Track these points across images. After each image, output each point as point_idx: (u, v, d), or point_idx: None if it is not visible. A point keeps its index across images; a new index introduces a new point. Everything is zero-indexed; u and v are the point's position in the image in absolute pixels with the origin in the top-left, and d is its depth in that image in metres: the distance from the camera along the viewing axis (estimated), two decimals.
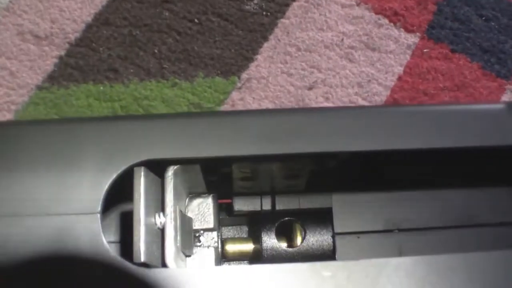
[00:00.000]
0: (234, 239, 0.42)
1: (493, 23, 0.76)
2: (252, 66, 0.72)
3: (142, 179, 0.34)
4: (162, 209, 0.35)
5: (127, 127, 0.35)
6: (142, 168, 0.34)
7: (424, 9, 0.76)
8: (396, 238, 0.41)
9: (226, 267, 0.39)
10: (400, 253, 0.40)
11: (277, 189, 0.41)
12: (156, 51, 0.73)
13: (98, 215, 0.33)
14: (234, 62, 0.72)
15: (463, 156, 0.38)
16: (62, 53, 0.74)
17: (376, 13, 0.75)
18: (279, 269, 0.33)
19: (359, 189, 0.42)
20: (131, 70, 0.72)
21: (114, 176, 0.34)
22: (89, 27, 0.75)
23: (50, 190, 0.34)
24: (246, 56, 0.73)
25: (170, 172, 0.35)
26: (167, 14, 0.75)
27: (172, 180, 0.35)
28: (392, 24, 0.75)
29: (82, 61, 0.73)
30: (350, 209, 0.41)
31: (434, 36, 0.75)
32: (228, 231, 0.43)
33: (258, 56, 0.73)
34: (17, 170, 0.34)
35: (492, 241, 0.40)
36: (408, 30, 0.75)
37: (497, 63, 0.74)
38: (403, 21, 0.75)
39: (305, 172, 0.39)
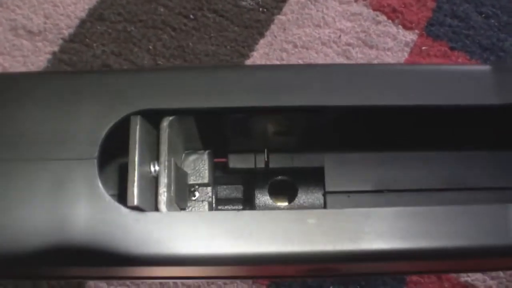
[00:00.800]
0: (229, 198, 0.44)
1: (493, 21, 0.75)
2: (248, 62, 0.71)
3: (138, 127, 0.35)
4: (157, 159, 0.37)
5: (125, 78, 0.37)
6: (138, 117, 0.35)
7: (423, 6, 0.75)
8: (386, 199, 0.41)
9: (216, 212, 0.40)
10: None
11: (271, 147, 0.42)
12: (150, 47, 0.72)
13: (95, 161, 0.34)
14: (230, 59, 0.71)
15: (452, 116, 0.38)
16: (56, 49, 0.73)
17: (374, 10, 0.74)
18: (267, 215, 0.34)
19: (352, 149, 0.42)
20: (125, 67, 0.71)
21: (111, 123, 0.35)
22: (83, 22, 0.74)
23: (49, 137, 0.35)
24: (241, 53, 0.72)
25: (165, 122, 0.37)
26: (162, 9, 0.74)
27: (167, 131, 0.37)
28: (390, 21, 0.74)
29: (76, 57, 0.72)
30: (341, 169, 0.42)
31: (433, 33, 0.74)
32: (223, 190, 0.44)
33: (254, 53, 0.72)
34: (18, 118, 0.36)
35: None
36: (406, 27, 0.74)
37: (496, 61, 0.73)
38: (402, 18, 0.74)
39: (297, 128, 0.39)
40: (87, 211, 0.33)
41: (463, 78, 0.37)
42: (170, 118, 0.37)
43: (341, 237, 0.33)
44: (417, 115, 0.39)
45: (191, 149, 0.42)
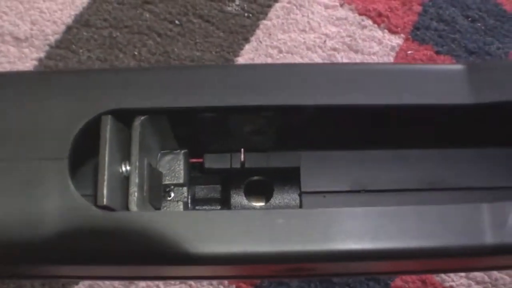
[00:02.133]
0: (204, 198, 0.44)
1: (479, 24, 0.75)
2: None
3: (109, 127, 0.35)
4: (129, 158, 0.37)
5: (96, 78, 0.37)
6: (109, 117, 0.35)
7: (409, 10, 0.75)
8: (362, 199, 0.41)
9: (186, 212, 0.40)
10: None
11: (247, 147, 0.41)
12: (136, 53, 0.73)
13: (66, 160, 0.34)
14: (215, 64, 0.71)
15: (428, 115, 0.38)
16: (42, 55, 0.73)
17: (360, 14, 0.74)
18: (239, 214, 0.35)
19: (329, 147, 0.42)
20: None
21: (82, 123, 0.35)
22: (69, 28, 0.74)
23: (19, 136, 0.35)
24: (227, 58, 0.72)
25: (137, 122, 0.37)
26: (147, 15, 0.74)
27: (139, 130, 0.37)
28: (376, 25, 0.74)
29: (62, 63, 0.73)
30: (318, 169, 0.41)
31: (418, 37, 0.74)
32: (201, 190, 0.44)
33: (239, 58, 0.72)
34: None
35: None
36: (392, 31, 0.74)
37: None
38: (387, 22, 0.74)
39: (272, 127, 0.39)
40: (58, 210, 0.33)
41: (439, 77, 0.37)
42: (142, 117, 0.37)
43: (310, 237, 0.33)
44: (394, 114, 0.39)
45: (167, 149, 0.41)
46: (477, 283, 0.65)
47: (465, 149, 0.42)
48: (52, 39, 0.74)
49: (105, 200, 0.34)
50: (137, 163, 0.36)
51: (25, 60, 0.73)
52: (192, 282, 0.64)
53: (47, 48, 0.74)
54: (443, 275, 0.65)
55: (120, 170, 0.36)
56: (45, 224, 0.33)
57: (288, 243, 0.33)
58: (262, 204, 0.42)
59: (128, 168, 0.36)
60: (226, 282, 0.64)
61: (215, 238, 0.33)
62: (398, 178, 0.41)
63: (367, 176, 0.41)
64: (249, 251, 0.33)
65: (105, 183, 0.34)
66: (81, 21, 0.75)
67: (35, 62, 0.73)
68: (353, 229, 0.33)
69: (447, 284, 0.65)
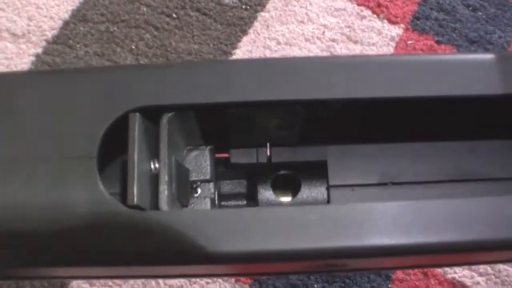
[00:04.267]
0: (231, 194, 0.43)
1: (480, 13, 0.74)
2: None
3: (137, 125, 0.35)
4: (157, 156, 0.36)
5: (123, 75, 0.36)
6: (137, 114, 0.35)
7: (408, 0, 0.74)
8: (390, 192, 0.40)
9: (217, 210, 0.40)
10: None
11: (273, 141, 0.41)
12: (133, 47, 0.72)
13: (95, 160, 0.34)
14: (213, 57, 0.71)
15: (457, 107, 0.37)
16: (39, 50, 0.73)
17: (359, 5, 0.74)
18: (268, 212, 0.34)
19: (355, 141, 0.41)
20: None
21: (110, 121, 0.34)
22: (66, 24, 0.74)
23: (48, 136, 0.35)
24: (224, 51, 0.71)
25: (165, 119, 0.36)
26: (144, 9, 0.74)
27: (167, 127, 0.36)
28: (375, 15, 0.73)
29: (59, 58, 0.72)
30: (345, 162, 0.41)
31: (419, 27, 0.73)
32: (227, 185, 0.43)
33: (237, 51, 0.71)
34: (16, 118, 0.35)
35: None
36: (391, 22, 0.73)
37: None
38: (387, 12, 0.73)
39: (298, 122, 0.39)
40: (87, 210, 0.33)
41: (465, 67, 0.37)
42: (169, 114, 0.36)
43: (343, 233, 0.33)
44: (421, 106, 0.38)
45: (192, 145, 0.41)
46: (480, 274, 0.64)
47: (493, 140, 0.41)
48: (49, 34, 0.74)
49: (135, 199, 0.33)
50: (167, 160, 0.36)
51: (23, 56, 0.73)
52: (203, 282, 0.63)
53: (44, 43, 0.73)
54: (445, 267, 0.64)
55: (149, 168, 0.36)
56: (74, 224, 0.33)
57: (322, 239, 0.32)
58: (289, 199, 0.42)
59: (157, 165, 0.36)
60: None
61: (247, 236, 0.32)
62: (426, 170, 0.41)
63: (394, 169, 0.41)
64: (283, 248, 0.33)
65: (135, 182, 0.34)
66: (78, 16, 0.74)
67: (32, 58, 0.73)
68: (387, 224, 0.33)
69: (449, 276, 0.64)
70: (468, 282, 0.64)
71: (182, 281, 0.64)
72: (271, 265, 0.36)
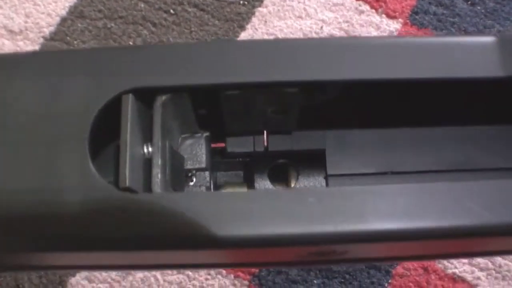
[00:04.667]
0: (228, 183, 0.42)
1: (479, 7, 0.73)
2: None
3: (129, 106, 0.34)
4: (151, 140, 0.35)
5: (116, 57, 0.36)
6: (130, 95, 0.34)
7: None
8: (390, 181, 0.40)
9: (212, 192, 0.39)
10: None
11: (270, 129, 0.40)
12: (131, 43, 0.72)
13: (86, 141, 0.33)
14: None
15: (457, 90, 0.36)
16: (37, 47, 0.73)
17: (357, 0, 0.73)
18: (266, 194, 0.33)
19: (354, 127, 0.40)
20: None
21: (103, 103, 0.34)
22: (63, 20, 0.74)
23: (39, 117, 0.34)
24: None
25: (159, 102, 0.35)
26: (142, 5, 0.73)
27: (161, 110, 0.35)
28: (373, 10, 0.73)
29: None
30: (343, 151, 0.40)
31: (417, 21, 0.73)
32: (223, 177, 0.43)
33: None
34: (7, 98, 0.35)
35: None
36: (390, 16, 0.72)
37: None
38: (385, 7, 0.73)
39: (295, 106, 0.38)
40: (79, 192, 0.32)
41: (467, 49, 0.36)
42: (164, 97, 0.35)
43: (343, 217, 0.31)
44: (420, 89, 0.37)
45: (188, 133, 0.40)
46: (481, 269, 0.64)
47: (494, 126, 0.40)
48: (47, 31, 0.73)
49: (127, 181, 0.32)
50: (160, 143, 0.35)
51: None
52: (189, 272, 0.63)
53: (41, 40, 0.73)
54: (445, 262, 0.64)
55: (142, 152, 0.35)
56: (65, 206, 0.32)
57: (320, 223, 0.31)
58: (288, 188, 0.41)
59: (150, 149, 0.35)
60: (224, 271, 0.63)
61: (242, 219, 0.31)
62: (425, 159, 0.40)
63: (393, 158, 0.40)
64: (280, 232, 0.31)
65: (127, 164, 0.33)
66: (76, 12, 0.74)
67: None
68: (387, 208, 0.32)
69: (450, 271, 0.64)
70: (468, 277, 0.63)
71: (181, 277, 0.63)
72: (266, 252, 0.35)
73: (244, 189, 0.41)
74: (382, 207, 0.32)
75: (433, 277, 0.63)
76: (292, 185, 0.41)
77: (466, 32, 0.72)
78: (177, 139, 0.40)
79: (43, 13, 0.74)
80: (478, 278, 0.63)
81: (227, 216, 0.31)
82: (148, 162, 0.35)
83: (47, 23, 0.74)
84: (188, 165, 0.40)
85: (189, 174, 0.40)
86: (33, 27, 0.74)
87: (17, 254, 0.34)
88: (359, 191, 0.32)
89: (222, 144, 0.41)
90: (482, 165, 0.39)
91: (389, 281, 0.63)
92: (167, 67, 0.35)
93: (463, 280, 0.63)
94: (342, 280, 0.63)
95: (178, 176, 0.38)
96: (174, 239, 0.32)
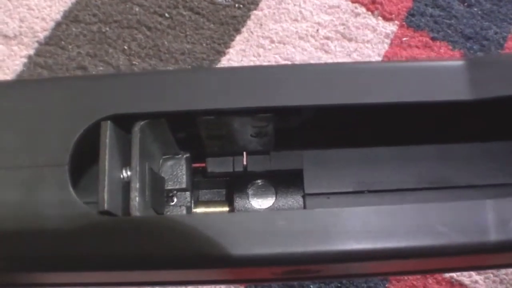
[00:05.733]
0: (208, 202, 0.43)
1: (475, 9, 0.73)
2: (224, 60, 0.70)
3: (108, 133, 0.35)
4: (130, 164, 0.37)
5: (94, 84, 0.37)
6: (108, 122, 0.35)
7: None
8: (366, 200, 0.41)
9: (188, 215, 0.40)
10: None
11: (249, 150, 0.41)
12: (125, 47, 0.71)
13: (67, 167, 0.34)
14: (206, 57, 0.70)
15: (429, 113, 0.38)
16: (31, 52, 0.72)
17: (353, 2, 0.73)
18: (240, 217, 0.35)
19: (330, 147, 0.41)
20: (100, 68, 0.71)
21: (81, 130, 0.35)
22: (58, 25, 0.73)
23: (19, 145, 0.35)
24: (218, 50, 0.70)
25: (137, 127, 0.36)
26: (137, 9, 0.73)
27: (139, 135, 0.36)
28: (369, 12, 0.72)
29: (51, 60, 0.72)
30: (321, 170, 0.41)
31: (413, 23, 0.72)
32: (206, 194, 0.44)
33: (230, 50, 0.71)
34: None
35: None
36: (386, 19, 0.72)
37: (480, 50, 0.71)
38: (381, 9, 0.72)
39: (271, 129, 0.39)
40: (60, 216, 0.33)
41: (437, 73, 0.37)
42: (142, 122, 0.36)
43: (311, 238, 0.33)
44: (393, 112, 0.38)
45: (168, 155, 0.41)
46: (479, 273, 0.63)
47: (468, 144, 0.41)
48: (41, 35, 0.73)
49: (106, 205, 0.33)
50: (138, 168, 0.36)
51: (14, 57, 0.72)
52: None
53: (36, 45, 0.73)
54: None
55: (121, 176, 0.36)
56: (46, 230, 0.33)
57: (289, 244, 0.33)
58: (266, 207, 0.42)
59: (129, 173, 0.36)
60: None
61: (216, 240, 0.33)
62: (402, 177, 0.41)
63: (370, 176, 0.41)
64: (250, 253, 0.33)
65: (106, 188, 0.34)
66: (70, 17, 0.74)
67: (24, 60, 0.72)
68: (354, 229, 0.33)
69: (447, 275, 0.63)
70: (466, 281, 0.63)
71: None
72: (239, 271, 0.36)
73: (225, 208, 0.42)
74: (350, 229, 0.33)
75: (430, 281, 0.63)
76: (271, 203, 0.42)
77: (463, 34, 0.72)
78: (158, 161, 0.41)
79: (37, 17, 0.74)
80: (476, 282, 0.63)
81: (200, 238, 0.33)
82: (127, 186, 0.36)
83: (42, 27, 0.73)
84: (169, 185, 0.40)
85: (170, 194, 0.41)
86: (27, 31, 0.73)
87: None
88: (329, 213, 0.33)
89: (203, 164, 0.42)
90: (456, 182, 0.40)
91: (386, 285, 0.63)
92: (144, 94, 0.36)
93: (460, 284, 0.63)
94: (339, 285, 0.63)
95: (159, 196, 0.39)
96: (147, 259, 0.33)
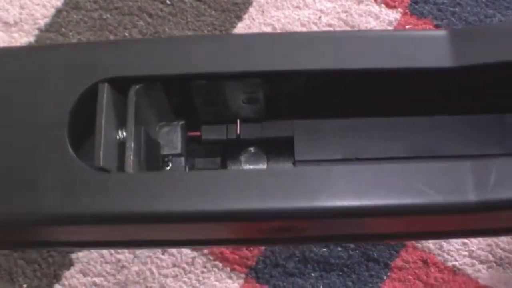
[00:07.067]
0: (202, 169, 0.45)
1: None
2: None
3: (105, 94, 0.37)
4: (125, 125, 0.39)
5: (93, 50, 0.39)
6: (105, 85, 0.37)
7: None
8: (355, 167, 0.41)
9: (180, 172, 0.42)
10: None
11: (242, 118, 0.43)
12: (126, 34, 0.71)
13: (65, 127, 0.36)
14: None
15: (415, 82, 0.39)
16: (32, 39, 0.72)
17: None
18: (240, 173, 0.37)
19: (321, 118, 0.43)
20: None
21: (81, 91, 0.37)
22: (59, 11, 0.73)
23: (20, 107, 0.37)
24: None
25: (132, 91, 0.38)
26: None
27: (134, 99, 0.38)
28: (372, 0, 0.72)
29: None
30: (311, 138, 0.43)
31: (417, 11, 0.72)
32: (201, 163, 0.45)
33: None
34: None
35: None
36: (389, 6, 0.71)
37: None
38: None
39: (262, 96, 0.40)
40: (58, 171, 0.35)
41: (422, 41, 0.38)
42: (137, 86, 0.38)
43: (297, 194, 0.34)
44: (381, 80, 0.39)
45: (164, 121, 0.43)
46: (481, 262, 0.63)
47: (456, 116, 0.42)
48: (42, 22, 0.73)
49: (101, 161, 0.35)
50: (133, 130, 0.37)
51: (15, 44, 0.72)
52: (185, 265, 0.62)
53: (36, 32, 0.72)
54: (445, 254, 0.63)
55: (117, 136, 0.38)
56: (45, 186, 0.35)
57: (276, 200, 0.34)
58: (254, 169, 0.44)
59: (124, 134, 0.38)
60: (220, 264, 0.62)
61: (207, 195, 0.34)
62: (390, 146, 0.42)
63: (359, 145, 0.42)
64: (239, 208, 0.34)
65: (102, 145, 0.35)
66: (71, 3, 0.73)
67: None
68: (339, 187, 0.34)
69: (450, 264, 0.63)
70: (469, 270, 0.63)
71: (176, 270, 0.62)
72: (233, 227, 0.38)
73: None
74: (335, 187, 0.34)
75: (432, 269, 0.62)
76: (263, 169, 0.43)
77: (467, 22, 0.71)
78: (154, 127, 0.42)
79: (38, 4, 0.73)
80: (479, 270, 0.63)
81: (191, 193, 0.34)
82: (123, 146, 0.37)
83: (42, 14, 0.73)
84: (165, 150, 0.42)
85: (166, 160, 0.42)
86: (28, 18, 0.73)
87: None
88: (316, 171, 0.35)
89: (199, 133, 0.44)
90: (441, 152, 0.42)
91: (388, 273, 0.62)
92: (141, 59, 0.38)
93: (463, 273, 0.62)
94: (340, 273, 0.62)
95: (154, 160, 0.41)
96: (140, 214, 0.35)
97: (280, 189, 0.34)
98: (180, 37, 0.42)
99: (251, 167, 0.44)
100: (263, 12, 0.71)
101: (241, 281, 0.62)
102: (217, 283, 0.62)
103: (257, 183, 0.35)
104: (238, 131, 0.43)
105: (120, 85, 0.38)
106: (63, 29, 0.72)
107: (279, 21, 0.71)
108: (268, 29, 0.70)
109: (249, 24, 0.71)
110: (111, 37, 0.71)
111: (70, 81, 0.37)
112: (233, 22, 0.71)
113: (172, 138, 0.42)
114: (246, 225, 0.38)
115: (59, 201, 0.35)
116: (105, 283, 0.62)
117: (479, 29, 0.40)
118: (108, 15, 0.72)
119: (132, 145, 0.37)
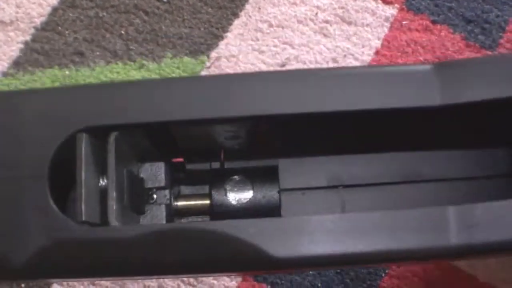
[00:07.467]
0: (186, 196, 0.45)
1: None
2: (222, 44, 0.69)
3: (83, 144, 0.36)
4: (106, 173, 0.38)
5: (70, 96, 0.38)
6: (83, 134, 0.36)
7: None
8: (340, 194, 0.43)
9: (161, 225, 0.41)
10: (343, 208, 0.42)
11: (225, 148, 0.43)
12: (123, 32, 0.71)
13: (46, 178, 0.35)
14: (203, 41, 0.70)
15: (400, 119, 0.38)
16: (28, 38, 0.72)
17: None
18: (225, 225, 0.36)
19: (306, 145, 0.43)
20: (97, 53, 0.70)
21: (58, 142, 0.36)
22: (55, 10, 0.73)
23: None
24: (215, 34, 0.70)
25: (111, 137, 0.37)
26: None
27: (114, 145, 0.37)
28: None
29: (48, 45, 0.71)
30: (296, 166, 0.43)
31: (414, 7, 0.71)
32: (187, 189, 0.45)
33: (228, 34, 0.70)
34: None
35: (435, 197, 0.42)
36: (386, 2, 0.71)
37: (481, 34, 0.70)
38: None
39: (243, 132, 0.40)
40: (40, 227, 0.35)
41: (405, 79, 0.37)
42: (115, 133, 0.37)
43: (280, 242, 0.35)
44: (364, 119, 0.39)
45: (147, 157, 0.43)
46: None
47: (441, 150, 0.42)
48: (38, 21, 0.72)
49: (83, 216, 0.35)
50: (114, 177, 0.37)
51: (11, 43, 0.72)
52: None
53: (32, 30, 0.72)
54: None
55: (99, 183, 0.38)
56: (27, 241, 0.35)
57: (258, 250, 0.34)
58: (243, 202, 0.44)
59: (105, 182, 0.37)
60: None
61: (192, 246, 0.35)
62: (376, 172, 0.42)
63: (345, 171, 0.42)
64: (224, 257, 0.35)
65: (83, 199, 0.35)
66: (67, 2, 0.73)
67: (21, 45, 0.71)
68: (321, 236, 0.34)
69: None
70: (467, 267, 0.63)
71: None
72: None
73: (206, 201, 0.44)
74: (317, 236, 0.34)
75: (431, 266, 0.62)
76: (248, 198, 0.43)
77: (464, 17, 0.71)
78: (136, 164, 0.42)
79: (34, 3, 0.73)
80: (477, 268, 0.63)
81: (171, 247, 0.35)
82: (105, 193, 0.37)
83: (38, 13, 0.73)
84: (149, 184, 0.42)
85: (150, 193, 0.42)
86: (24, 17, 0.73)
87: None
88: (299, 221, 0.35)
89: (182, 160, 0.43)
90: (427, 177, 0.42)
91: (386, 271, 0.62)
92: (119, 105, 0.37)
93: (461, 270, 0.62)
94: (338, 271, 0.62)
95: (139, 197, 0.41)
96: (123, 266, 0.35)
97: (266, 239, 0.34)
98: (157, 80, 0.41)
99: (236, 195, 0.43)
100: (259, 9, 0.71)
101: (239, 279, 0.62)
102: (214, 282, 0.62)
103: (242, 233, 0.35)
104: (222, 160, 0.43)
105: (99, 132, 0.37)
106: (59, 28, 0.72)
107: (275, 17, 0.70)
108: (264, 26, 0.70)
109: (245, 21, 0.70)
110: (108, 35, 0.71)
111: (47, 131, 0.36)
112: (229, 19, 0.70)
113: (155, 171, 0.42)
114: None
115: (42, 257, 0.34)
116: (103, 282, 0.62)
117: (462, 64, 0.39)
118: (105, 13, 0.72)
119: (114, 194, 0.36)
